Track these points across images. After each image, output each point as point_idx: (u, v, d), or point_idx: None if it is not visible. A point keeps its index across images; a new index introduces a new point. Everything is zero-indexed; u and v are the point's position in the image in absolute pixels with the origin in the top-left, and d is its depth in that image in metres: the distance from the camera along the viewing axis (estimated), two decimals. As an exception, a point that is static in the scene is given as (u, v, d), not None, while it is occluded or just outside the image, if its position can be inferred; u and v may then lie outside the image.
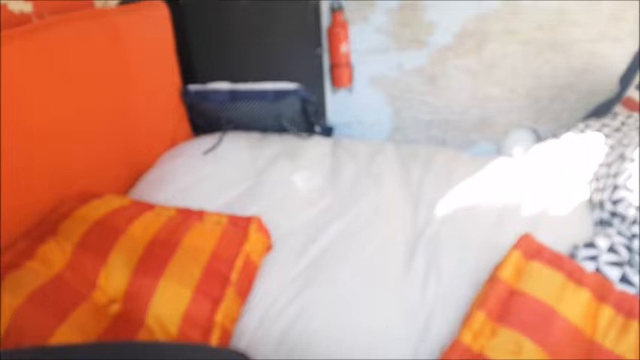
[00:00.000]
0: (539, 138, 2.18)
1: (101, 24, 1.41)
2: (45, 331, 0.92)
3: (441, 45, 2.11)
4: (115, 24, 1.46)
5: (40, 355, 0.69)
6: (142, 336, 0.99)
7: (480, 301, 1.05)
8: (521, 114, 2.18)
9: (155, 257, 1.11)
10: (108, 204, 1.24)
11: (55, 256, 1.08)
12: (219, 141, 1.77)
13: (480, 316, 1.00)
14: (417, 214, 1.43)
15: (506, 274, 1.09)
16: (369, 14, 2.10)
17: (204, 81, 1.89)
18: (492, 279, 1.09)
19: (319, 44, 2.12)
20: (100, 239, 1.13)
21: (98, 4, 1.60)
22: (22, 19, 1.32)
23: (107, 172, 1.47)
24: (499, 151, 2.25)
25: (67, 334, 0.94)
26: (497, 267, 1.13)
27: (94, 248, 1.11)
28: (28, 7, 1.34)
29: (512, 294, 1.05)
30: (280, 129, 1.90)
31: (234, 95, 1.84)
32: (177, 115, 1.87)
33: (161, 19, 1.72)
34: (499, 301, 1.03)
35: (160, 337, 1.00)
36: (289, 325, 1.09)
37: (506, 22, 2.00)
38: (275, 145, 1.81)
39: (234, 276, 1.12)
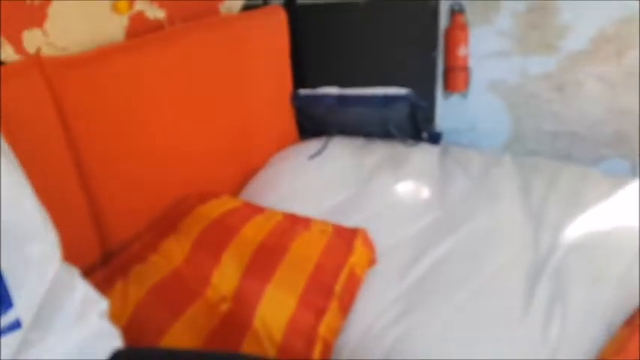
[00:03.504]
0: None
1: (226, 30, 1.48)
2: (162, 325, 0.97)
3: (573, 50, 1.92)
4: (237, 30, 1.52)
5: (150, 357, 0.71)
6: (250, 338, 1.01)
7: (615, 350, 0.93)
8: (666, 129, 1.91)
9: (264, 261, 1.13)
10: (224, 204, 1.28)
11: (174, 251, 1.14)
12: (325, 146, 1.77)
13: (614, 367, 0.89)
14: (539, 238, 1.29)
15: (650, 321, 0.95)
16: (492, 16, 1.98)
17: (314, 85, 1.90)
18: (631, 324, 0.96)
19: (435, 47, 2.03)
20: (216, 238, 1.17)
21: (223, 10, 1.67)
22: (156, 26, 1.42)
23: (222, 174, 1.54)
24: (634, 170, 2.00)
25: (181, 329, 0.98)
26: (638, 311, 0.99)
27: (209, 246, 1.16)
28: (161, 14, 1.43)
29: (656, 345, 0.91)
30: (386, 134, 1.85)
31: (342, 100, 1.83)
32: (286, 118, 1.91)
33: (279, 25, 1.77)
34: (639, 353, 0.90)
35: (266, 342, 1.01)
36: (393, 347, 1.04)
37: (655, 25, 1.77)
38: (380, 151, 1.77)
39: (338, 289, 1.11)
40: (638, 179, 1.53)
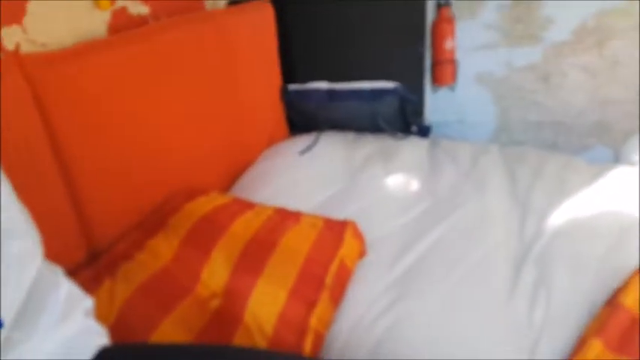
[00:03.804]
0: (665, 145, 1.93)
1: (211, 25, 1.47)
2: (151, 323, 0.97)
3: (556, 41, 1.94)
4: (223, 25, 1.51)
5: (138, 353, 0.71)
6: (241, 333, 1.01)
7: (596, 328, 0.95)
8: (647, 117, 1.94)
9: (254, 256, 1.13)
10: (213, 201, 1.28)
11: (162, 249, 1.14)
12: (315, 141, 1.77)
13: (596, 345, 0.91)
14: (524, 225, 1.32)
15: (630, 300, 0.98)
16: (478, 10, 1.99)
17: (303, 80, 1.90)
18: (612, 304, 0.98)
19: (422, 41, 2.04)
20: (205, 235, 1.17)
21: (208, 5, 1.66)
22: (140, 21, 1.40)
23: (211, 170, 1.53)
24: (618, 158, 2.02)
25: (171, 326, 0.98)
26: (619, 291, 1.02)
27: (198, 243, 1.15)
28: (144, 10, 1.42)
29: (636, 323, 0.94)
30: (376, 128, 1.86)
31: (331, 94, 1.84)
32: (276, 113, 1.90)
33: (266, 19, 1.76)
34: (620, 330, 0.93)
35: (257, 335, 1.01)
36: (384, 336, 1.06)
37: (635, 16, 1.79)
38: (370, 145, 1.78)
39: (328, 280, 1.11)
40: (620, 166, 1.55)
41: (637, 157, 1.92)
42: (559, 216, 1.33)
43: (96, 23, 1.28)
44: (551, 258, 1.19)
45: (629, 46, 1.86)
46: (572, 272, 1.14)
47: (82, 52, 1.12)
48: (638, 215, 1.29)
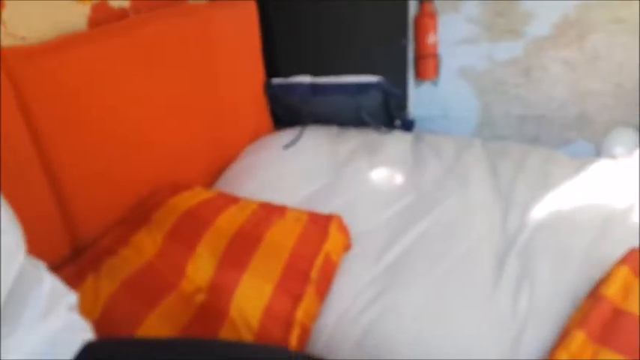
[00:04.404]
0: (645, 138, 1.98)
1: (193, 20, 1.45)
2: (136, 318, 0.96)
3: (538, 35, 1.97)
4: (205, 19, 1.50)
5: (123, 348, 0.71)
6: (226, 328, 1.01)
7: (579, 320, 0.96)
8: (626, 111, 1.98)
9: (239, 251, 1.12)
10: (197, 196, 1.27)
11: (146, 244, 1.13)
12: (299, 136, 1.77)
13: (579, 336, 0.92)
14: (507, 219, 1.34)
15: (612, 291, 0.99)
16: (460, 4, 2.01)
17: (286, 74, 1.90)
18: (595, 296, 1.00)
19: (404, 35, 2.05)
20: (189, 230, 1.16)
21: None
22: (121, 14, 1.38)
23: (194, 165, 1.52)
24: (599, 151, 2.07)
25: (156, 321, 0.97)
26: (601, 283, 1.03)
27: (183, 238, 1.14)
28: (125, 3, 1.40)
29: (619, 314, 0.95)
30: (360, 122, 1.87)
31: (315, 89, 1.83)
32: (260, 108, 1.89)
33: (249, 13, 1.75)
34: (602, 321, 0.94)
35: (243, 330, 1.01)
36: (369, 328, 1.06)
37: (615, 9, 1.82)
38: (354, 139, 1.78)
39: (314, 274, 1.11)
40: (601, 160, 1.58)
41: (618, 151, 1.97)
42: (542, 209, 1.35)
43: (76, 17, 1.26)
44: (535, 251, 1.21)
45: (608, 39, 1.89)
46: (555, 264, 1.16)
47: (62, 45, 1.10)
48: (620, 207, 1.32)
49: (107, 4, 1.34)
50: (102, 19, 1.31)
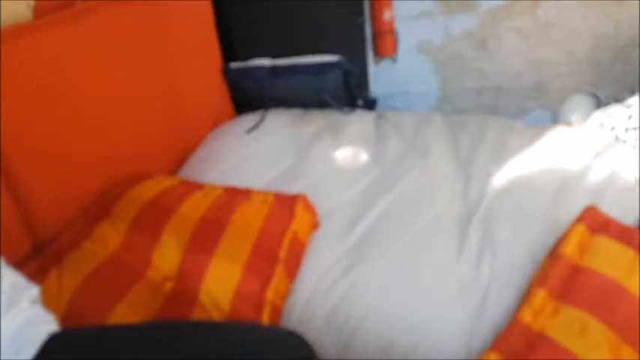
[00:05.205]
0: (599, 104, 2.04)
1: (146, 5, 1.41)
2: (104, 310, 0.95)
3: (491, 6, 1.99)
4: (158, 4, 1.46)
5: (96, 334, 0.70)
6: (196, 313, 1.01)
7: (540, 279, 1.00)
8: (580, 78, 2.04)
9: (205, 236, 1.12)
10: (159, 184, 1.25)
11: (109, 236, 1.11)
12: (262, 119, 1.76)
13: (540, 294, 0.95)
14: (468, 189, 1.37)
15: (570, 249, 1.03)
16: (414, -22, 2.02)
17: (245, 58, 1.87)
18: (554, 255, 1.04)
19: (361, 13, 2.05)
20: (153, 219, 1.15)
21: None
22: (67, 3, 1.33)
23: (155, 154, 1.49)
24: (556, 118, 2.13)
25: (125, 312, 0.96)
26: (559, 242, 1.07)
27: (147, 228, 1.13)
28: (72, -10, 1.35)
29: (576, 270, 0.99)
30: (322, 104, 1.86)
31: (275, 71, 1.82)
32: (219, 93, 1.87)
33: (202, -3, 1.71)
34: (561, 278, 0.98)
35: (214, 313, 1.02)
36: (338, 303, 1.08)
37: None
38: (317, 121, 1.78)
39: (282, 254, 1.12)
40: (557, 127, 1.64)
41: (573, 117, 2.04)
42: (501, 177, 1.39)
43: (19, 7, 1.21)
44: (496, 217, 1.24)
45: (559, 5, 1.93)
46: (516, 228, 1.20)
47: (7, 37, 1.06)
48: (575, 170, 1.37)
49: (52, -7, 1.29)
50: (48, 8, 1.26)
